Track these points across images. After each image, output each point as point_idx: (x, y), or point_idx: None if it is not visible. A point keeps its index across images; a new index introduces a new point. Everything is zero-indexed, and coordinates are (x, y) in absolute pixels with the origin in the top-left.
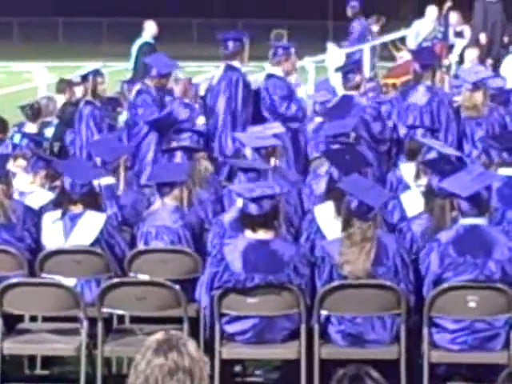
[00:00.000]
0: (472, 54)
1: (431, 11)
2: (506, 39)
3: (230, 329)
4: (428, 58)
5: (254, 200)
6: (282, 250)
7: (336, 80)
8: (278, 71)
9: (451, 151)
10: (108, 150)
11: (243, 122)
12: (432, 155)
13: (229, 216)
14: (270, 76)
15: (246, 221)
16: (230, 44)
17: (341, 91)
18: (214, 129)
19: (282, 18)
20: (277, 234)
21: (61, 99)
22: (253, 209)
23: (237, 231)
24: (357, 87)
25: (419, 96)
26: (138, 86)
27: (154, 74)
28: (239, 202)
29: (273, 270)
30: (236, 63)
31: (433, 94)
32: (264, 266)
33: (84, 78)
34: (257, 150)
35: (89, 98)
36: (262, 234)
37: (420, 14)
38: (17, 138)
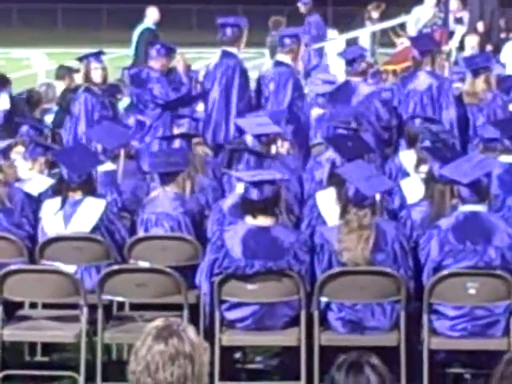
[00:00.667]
0: (472, 40)
1: None
2: (502, 24)
3: (230, 315)
4: (426, 44)
5: (255, 184)
6: (282, 236)
7: (336, 66)
8: (286, 59)
9: (448, 136)
10: (109, 136)
11: (240, 109)
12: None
13: (228, 202)
14: (278, 63)
15: (246, 206)
16: (228, 30)
17: (342, 77)
18: (209, 116)
19: (282, 4)
20: (277, 220)
21: (60, 86)
22: (253, 194)
23: (236, 217)
24: (361, 73)
25: (419, 82)
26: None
27: (154, 55)
28: (239, 188)
29: (273, 257)
30: (233, 49)
31: (433, 79)
32: (264, 253)
33: (79, 61)
34: (257, 137)
35: (86, 84)
36: (263, 220)
37: (420, 0)
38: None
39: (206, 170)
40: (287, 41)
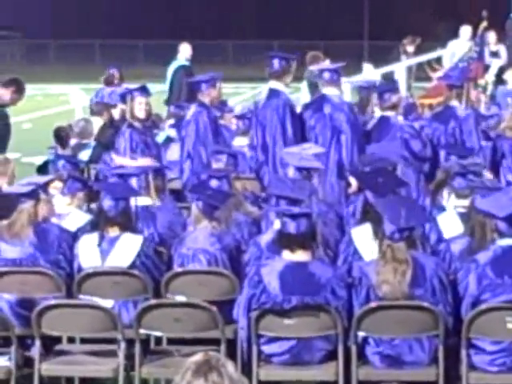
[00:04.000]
0: None
1: (465, 31)
2: None
3: (268, 350)
4: (455, 79)
5: (293, 218)
6: (319, 272)
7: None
8: (334, 91)
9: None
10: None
11: (287, 145)
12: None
13: (266, 237)
14: (325, 97)
15: (284, 241)
16: (276, 62)
17: (377, 112)
18: (255, 152)
19: (318, 39)
20: (314, 255)
21: (98, 121)
22: (291, 228)
23: (274, 253)
24: (393, 107)
25: (453, 116)
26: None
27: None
28: (276, 224)
29: (310, 292)
30: (280, 85)
31: (466, 113)
32: (301, 288)
33: (122, 98)
34: (299, 169)
35: (129, 119)
36: (300, 255)
37: (456, 34)
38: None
39: (244, 206)
40: (332, 75)
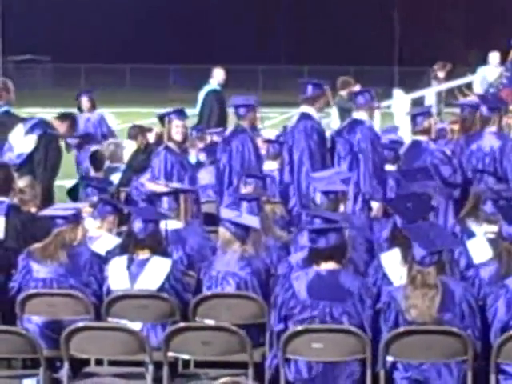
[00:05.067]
0: None
1: (494, 57)
2: None
3: (295, 373)
4: (496, 102)
5: (319, 233)
6: (348, 280)
7: (404, 126)
8: (363, 116)
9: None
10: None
11: (315, 170)
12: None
13: (297, 256)
14: (355, 121)
15: (313, 256)
16: (309, 88)
17: (409, 138)
18: (282, 176)
19: (348, 64)
20: (343, 266)
21: (131, 145)
22: (320, 242)
23: (304, 268)
24: (425, 132)
25: (484, 142)
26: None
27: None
28: (304, 241)
29: (338, 299)
30: (311, 110)
31: (498, 141)
32: (329, 294)
33: (161, 119)
34: (325, 193)
35: (166, 141)
36: (329, 265)
37: (485, 60)
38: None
39: (273, 230)
40: (363, 99)
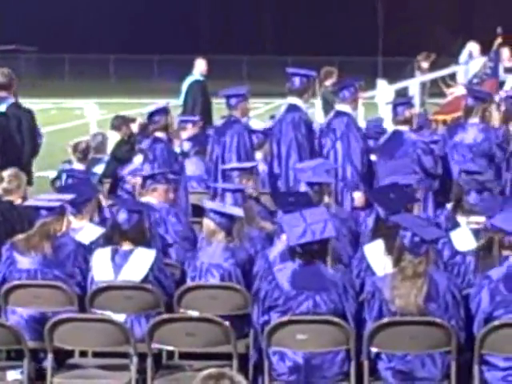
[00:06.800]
0: None
1: (474, 48)
2: None
3: (279, 365)
4: (482, 92)
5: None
6: (330, 271)
7: (388, 117)
8: (347, 108)
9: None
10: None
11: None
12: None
13: (275, 250)
14: (339, 113)
15: (293, 254)
16: (297, 80)
17: (390, 127)
18: (271, 167)
19: (332, 55)
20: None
21: (114, 136)
22: (299, 250)
23: (285, 262)
24: (406, 122)
25: (467, 134)
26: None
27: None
28: (284, 237)
29: (323, 289)
30: (299, 101)
31: (481, 132)
32: (313, 284)
33: (152, 115)
34: (310, 184)
35: (160, 134)
36: (312, 260)
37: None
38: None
39: (257, 220)
40: (347, 92)
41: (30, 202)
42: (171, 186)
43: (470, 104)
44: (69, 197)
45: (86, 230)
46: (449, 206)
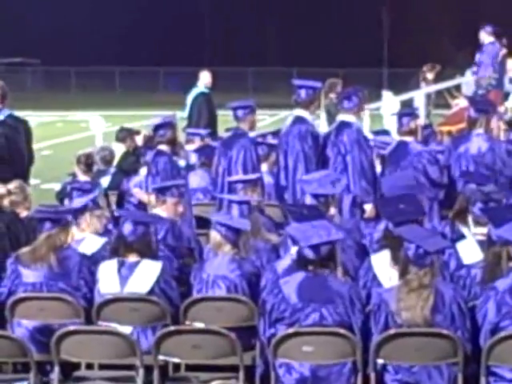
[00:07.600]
0: None
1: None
2: None
3: (286, 377)
4: (484, 104)
5: (311, 247)
6: (337, 283)
7: (391, 127)
8: (351, 118)
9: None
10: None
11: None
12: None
13: (283, 263)
14: (343, 123)
15: (301, 263)
16: (303, 92)
17: (396, 138)
18: (277, 179)
19: (337, 66)
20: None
21: (119, 148)
22: (309, 254)
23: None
24: (411, 132)
25: (472, 144)
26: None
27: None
28: (293, 250)
29: (329, 301)
30: (305, 113)
31: (485, 143)
32: (320, 297)
33: (157, 128)
34: (315, 196)
35: (163, 147)
36: (319, 271)
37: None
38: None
39: (263, 232)
40: (351, 103)
41: (34, 214)
42: (181, 200)
43: (472, 116)
44: (66, 208)
45: (87, 241)
46: (450, 216)
